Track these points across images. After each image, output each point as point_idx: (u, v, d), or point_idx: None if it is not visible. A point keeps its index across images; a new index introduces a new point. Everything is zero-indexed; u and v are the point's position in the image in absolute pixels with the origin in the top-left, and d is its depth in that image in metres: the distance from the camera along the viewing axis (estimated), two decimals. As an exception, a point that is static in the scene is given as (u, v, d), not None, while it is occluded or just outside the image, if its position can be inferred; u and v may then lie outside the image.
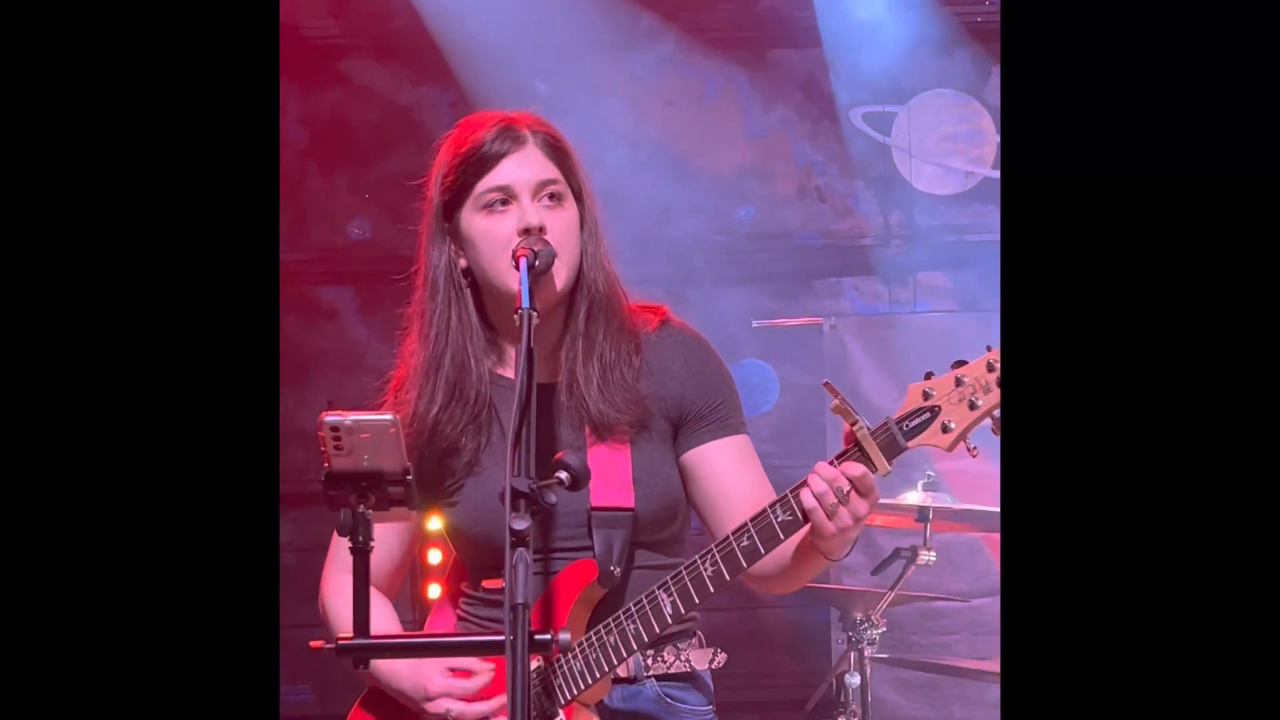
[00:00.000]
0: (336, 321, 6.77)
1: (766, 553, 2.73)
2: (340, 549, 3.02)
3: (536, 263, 2.78)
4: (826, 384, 2.69)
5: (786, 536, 2.74)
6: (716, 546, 2.76)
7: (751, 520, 2.74)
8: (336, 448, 2.48)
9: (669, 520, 2.93)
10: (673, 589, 2.79)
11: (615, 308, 2.92)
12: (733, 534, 2.75)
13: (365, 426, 2.48)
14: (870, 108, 6.72)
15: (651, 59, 6.60)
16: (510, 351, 2.95)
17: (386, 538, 2.92)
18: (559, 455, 2.62)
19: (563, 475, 2.60)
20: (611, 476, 2.85)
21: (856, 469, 2.67)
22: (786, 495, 2.74)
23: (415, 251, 2.96)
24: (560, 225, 2.87)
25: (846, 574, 6.01)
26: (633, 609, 2.81)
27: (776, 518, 2.73)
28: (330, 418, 2.47)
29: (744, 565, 2.74)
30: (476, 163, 2.87)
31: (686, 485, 2.93)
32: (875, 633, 4.86)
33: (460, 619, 3.01)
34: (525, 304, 2.66)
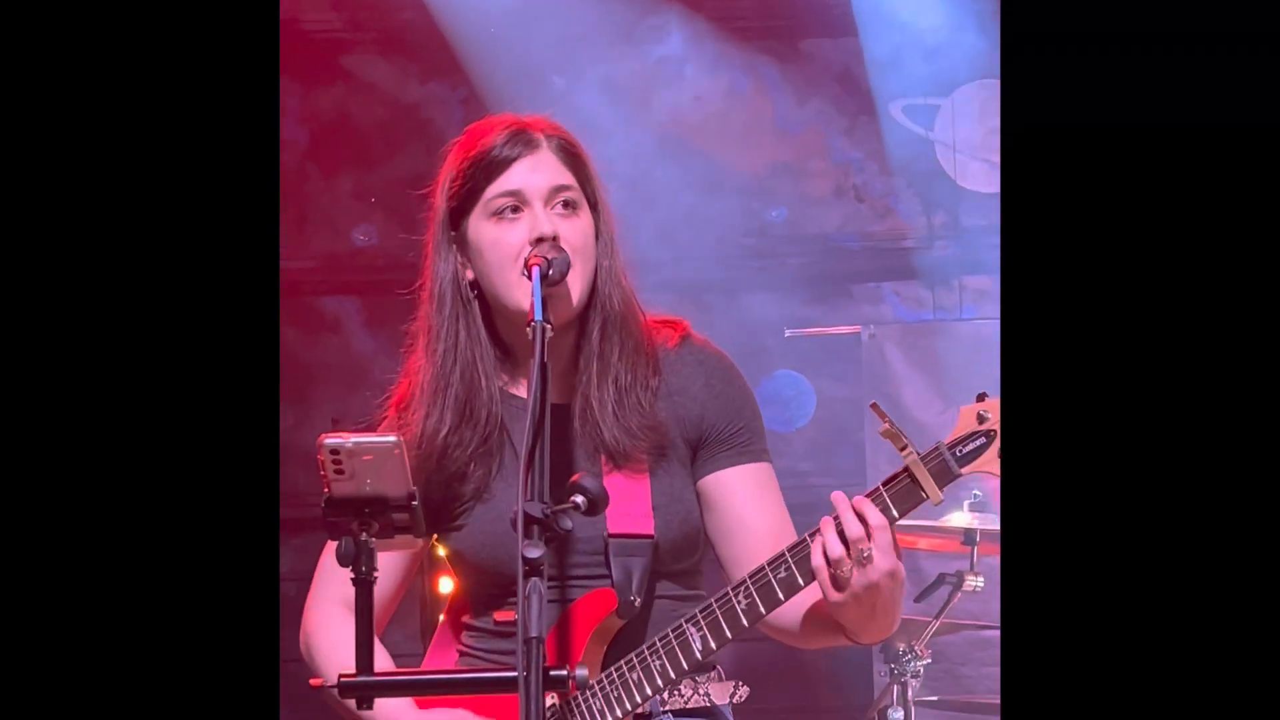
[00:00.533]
0: (340, 334, 6.79)
1: (805, 585, 2.72)
2: (328, 579, 3.00)
3: (550, 272, 2.78)
4: (875, 406, 2.67)
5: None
6: (751, 578, 2.76)
7: (789, 549, 2.74)
8: (337, 471, 2.48)
9: (689, 549, 2.93)
10: (702, 623, 2.78)
11: (631, 326, 2.91)
12: (769, 564, 2.75)
13: (367, 449, 2.48)
14: (911, 100, 6.71)
15: (676, 51, 6.61)
16: (522, 369, 2.94)
17: (382, 567, 2.92)
18: (575, 478, 2.62)
19: (578, 499, 2.59)
20: (629, 503, 2.85)
21: (876, 516, 2.65)
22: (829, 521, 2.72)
23: (420, 263, 2.97)
24: (575, 234, 2.87)
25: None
26: (658, 644, 2.80)
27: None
28: (330, 440, 2.47)
29: (781, 598, 2.74)
30: (486, 167, 2.87)
31: (701, 512, 2.94)
32: (920, 664, 4.83)
33: (462, 654, 3.00)
34: (538, 316, 2.66)
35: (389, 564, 2.96)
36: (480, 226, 2.89)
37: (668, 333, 2.97)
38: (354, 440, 2.48)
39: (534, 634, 2.40)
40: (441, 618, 3.11)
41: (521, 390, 2.94)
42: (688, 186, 6.57)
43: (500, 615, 2.91)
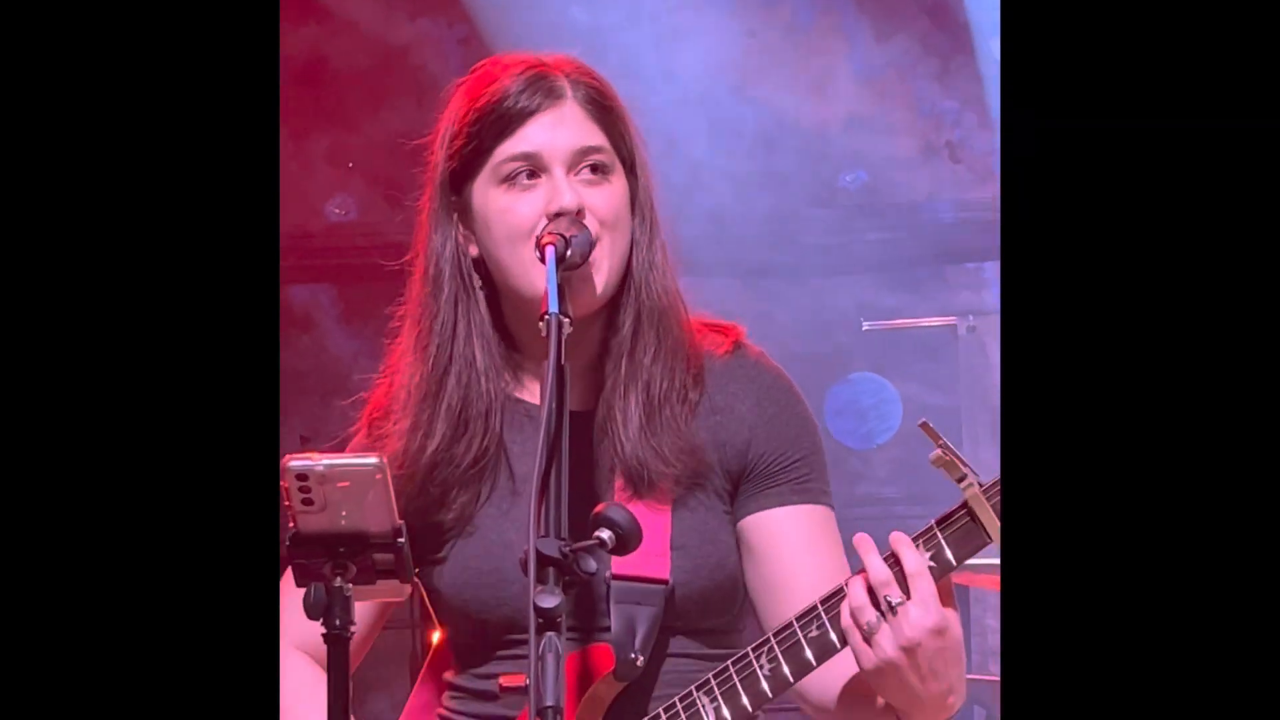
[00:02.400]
0: (311, 331, 6.82)
1: (842, 647, 2.71)
2: (284, 619, 2.89)
3: (569, 253, 2.77)
4: (924, 425, 2.70)
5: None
6: (777, 636, 2.74)
7: (823, 601, 2.74)
8: (305, 502, 2.47)
9: (722, 602, 2.92)
10: (717, 691, 2.76)
11: (670, 321, 2.90)
12: (798, 619, 2.74)
13: (343, 473, 2.46)
14: (1018, 36, 6.69)
15: (725, -23, 6.63)
16: (531, 368, 2.94)
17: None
18: (600, 508, 2.62)
19: (605, 534, 2.59)
20: (644, 539, 2.77)
21: (913, 560, 2.65)
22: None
23: (414, 233, 2.96)
24: (605, 205, 2.86)
25: (994, 660, 5.97)
26: (663, 716, 2.79)
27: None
28: (296, 463, 2.46)
29: (812, 662, 2.73)
30: (496, 121, 2.86)
31: (743, 561, 2.92)
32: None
33: (444, 718, 2.99)
34: (553, 308, 2.65)
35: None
36: (488, 193, 2.89)
37: (716, 339, 2.96)
38: (326, 463, 2.46)
39: (549, 702, 2.40)
40: (422, 673, 3.10)
41: (529, 394, 2.94)
42: (742, 146, 6.57)
43: (507, 680, 2.90)
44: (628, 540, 2.60)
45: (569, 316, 2.68)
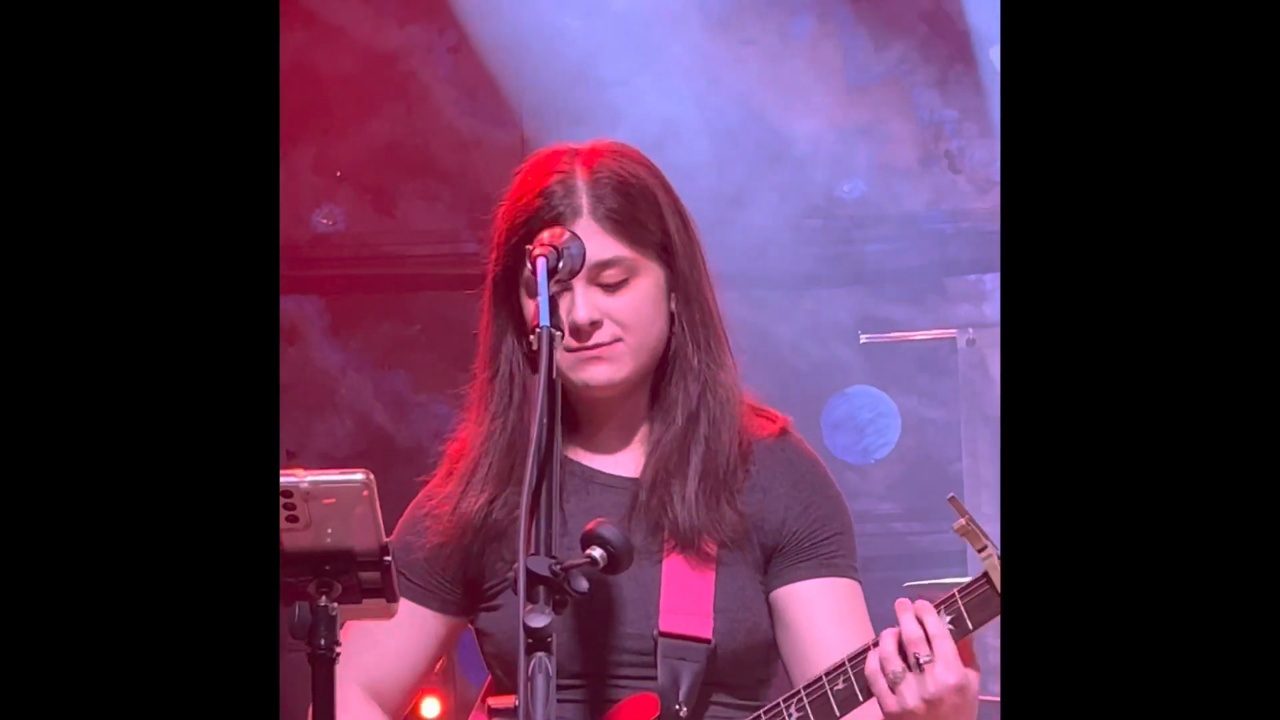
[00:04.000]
0: (298, 343, 6.79)
1: (865, 700, 2.89)
2: (348, 652, 2.75)
3: (560, 264, 2.80)
4: (953, 499, 2.84)
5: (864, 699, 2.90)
6: (806, 689, 2.91)
7: (850, 658, 2.89)
8: (290, 519, 2.49)
9: (755, 663, 3.06)
10: None
11: (729, 405, 3.03)
12: (826, 675, 2.90)
13: (329, 490, 2.49)
14: (1019, 44, 6.69)
15: (720, -17, 6.62)
16: (589, 434, 3.07)
17: (405, 632, 3.01)
18: (591, 525, 2.63)
19: (596, 553, 2.60)
20: (689, 597, 2.95)
21: (934, 623, 2.82)
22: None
23: (478, 319, 3.09)
24: (626, 310, 2.98)
25: (994, 678, 5.96)
26: None
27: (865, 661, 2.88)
28: (281, 478, 2.48)
29: (837, 714, 2.89)
30: (519, 245, 2.99)
31: (775, 629, 3.06)
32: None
33: None
34: (544, 322, 2.67)
35: (406, 637, 3.04)
36: (525, 303, 3.01)
37: (763, 424, 3.10)
38: (311, 479, 2.49)
39: (538, 724, 2.41)
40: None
41: (588, 458, 3.05)
42: (736, 156, 6.57)
43: (496, 701, 2.92)
44: (619, 559, 2.63)
45: (560, 330, 2.72)
